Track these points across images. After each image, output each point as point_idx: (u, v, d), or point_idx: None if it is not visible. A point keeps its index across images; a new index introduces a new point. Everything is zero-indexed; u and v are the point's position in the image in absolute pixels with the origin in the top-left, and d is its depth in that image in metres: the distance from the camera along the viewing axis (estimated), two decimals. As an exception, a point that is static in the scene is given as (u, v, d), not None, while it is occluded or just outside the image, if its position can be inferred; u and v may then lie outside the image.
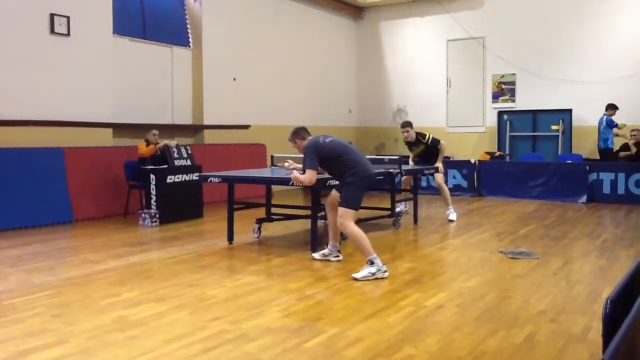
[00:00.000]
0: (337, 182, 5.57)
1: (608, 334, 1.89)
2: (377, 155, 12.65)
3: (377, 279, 4.97)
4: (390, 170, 7.26)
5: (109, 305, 4.27)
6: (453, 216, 8.46)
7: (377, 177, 7.48)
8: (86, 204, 8.47)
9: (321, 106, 13.94)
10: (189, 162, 8.66)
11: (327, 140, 5.42)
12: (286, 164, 6.22)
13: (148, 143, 8.55)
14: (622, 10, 12.27)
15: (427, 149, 8.45)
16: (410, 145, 8.61)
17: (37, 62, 8.18)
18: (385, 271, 5.06)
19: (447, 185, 9.10)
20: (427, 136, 8.48)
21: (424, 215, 8.82)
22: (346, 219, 5.15)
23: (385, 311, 4.11)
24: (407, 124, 8.53)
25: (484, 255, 6.08)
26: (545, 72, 12.93)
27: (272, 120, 12.40)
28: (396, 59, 14.96)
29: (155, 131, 8.66)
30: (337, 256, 5.74)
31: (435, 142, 8.42)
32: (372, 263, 5.03)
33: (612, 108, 11.31)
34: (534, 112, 13.06)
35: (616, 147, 11.39)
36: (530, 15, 13.08)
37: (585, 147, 12.57)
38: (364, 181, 5.29)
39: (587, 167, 10.70)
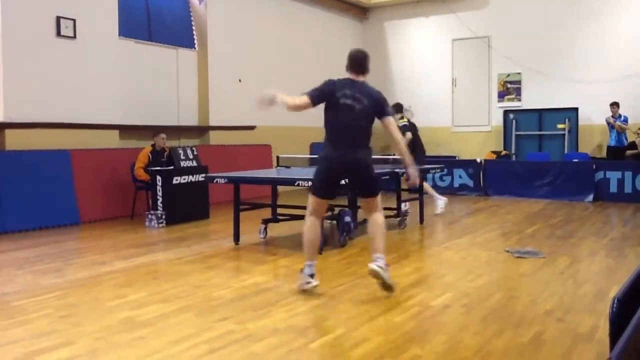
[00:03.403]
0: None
1: (615, 333, 1.88)
2: (382, 155, 12.64)
3: (303, 290, 4.45)
4: (395, 170, 7.25)
5: (116, 306, 4.28)
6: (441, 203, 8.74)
7: (383, 177, 7.56)
8: (93, 205, 8.51)
9: (326, 106, 13.93)
10: (195, 163, 8.69)
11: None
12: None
13: (154, 146, 8.58)
14: (629, 9, 12.23)
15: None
16: None
17: (44, 64, 8.22)
18: (309, 283, 4.43)
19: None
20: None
21: (430, 215, 8.80)
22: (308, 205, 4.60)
23: (392, 311, 4.10)
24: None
25: (490, 254, 6.07)
26: (551, 71, 12.89)
27: (277, 121, 12.40)
28: (401, 59, 14.95)
29: (163, 135, 8.70)
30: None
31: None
32: (301, 270, 4.51)
33: (610, 105, 11.40)
34: (540, 111, 13.03)
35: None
36: (535, 14, 13.05)
37: (592, 145, 12.54)
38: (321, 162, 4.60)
39: (594, 166, 10.67)
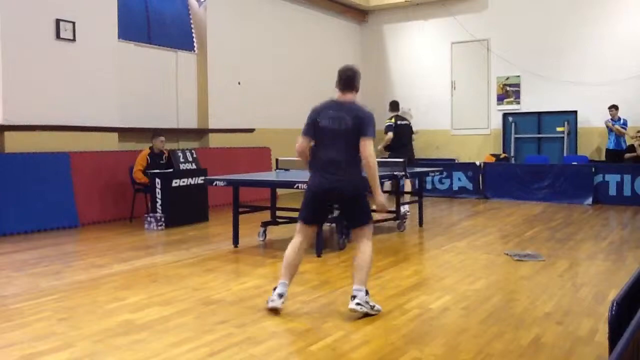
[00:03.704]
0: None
1: (614, 336, 1.88)
2: (381, 158, 12.66)
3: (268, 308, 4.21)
4: (395, 173, 7.26)
5: (115, 309, 4.28)
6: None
7: (381, 180, 7.58)
8: (92, 208, 8.50)
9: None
10: (194, 166, 8.69)
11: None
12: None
13: (152, 149, 8.58)
14: (628, 11, 12.24)
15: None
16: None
17: (43, 67, 8.22)
18: (272, 301, 4.16)
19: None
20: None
21: (429, 217, 8.80)
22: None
23: (391, 314, 4.10)
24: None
25: (489, 257, 6.07)
26: (550, 74, 12.90)
27: (276, 123, 12.43)
28: (400, 62, 14.97)
29: (162, 138, 8.69)
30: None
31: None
32: (275, 288, 4.29)
33: (609, 108, 11.43)
34: (539, 114, 13.04)
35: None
36: (534, 17, 13.07)
37: (591, 148, 12.55)
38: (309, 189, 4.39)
39: (593, 169, 10.67)
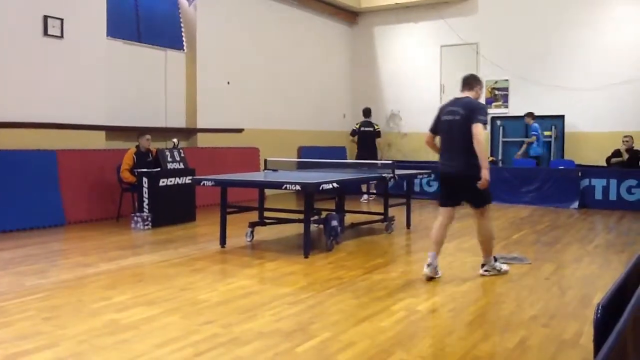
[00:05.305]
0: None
1: (599, 340, 1.89)
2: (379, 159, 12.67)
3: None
4: (383, 175, 7.26)
5: (100, 308, 4.25)
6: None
7: (371, 182, 7.70)
8: (78, 206, 8.43)
9: (315, 110, 13.96)
10: (182, 166, 8.64)
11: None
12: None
13: (139, 147, 8.53)
14: (614, 17, 12.36)
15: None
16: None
17: (30, 64, 8.15)
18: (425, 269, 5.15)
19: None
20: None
21: (417, 220, 8.82)
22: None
23: (378, 316, 4.10)
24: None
25: (476, 260, 6.07)
26: (538, 79, 13.00)
27: (265, 124, 12.41)
28: (390, 64, 15.00)
29: (148, 136, 8.64)
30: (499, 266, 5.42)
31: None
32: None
33: (524, 116, 12.28)
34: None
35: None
36: (523, 22, 13.16)
37: (578, 153, 12.64)
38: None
39: (580, 173, 10.75)
